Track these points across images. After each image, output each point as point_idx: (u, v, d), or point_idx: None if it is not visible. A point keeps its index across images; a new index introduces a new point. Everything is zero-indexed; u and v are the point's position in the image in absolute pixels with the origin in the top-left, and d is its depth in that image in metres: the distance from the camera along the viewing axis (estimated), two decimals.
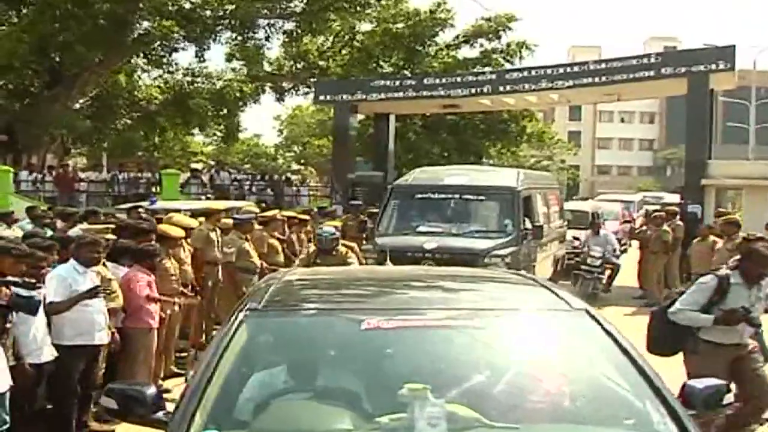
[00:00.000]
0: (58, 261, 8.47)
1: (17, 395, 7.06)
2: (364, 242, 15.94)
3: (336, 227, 12.44)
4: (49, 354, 7.67)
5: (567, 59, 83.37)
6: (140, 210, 15.38)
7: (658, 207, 26.45)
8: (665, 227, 18.37)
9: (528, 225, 15.44)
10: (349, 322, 4.39)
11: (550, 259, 18.15)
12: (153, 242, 9.77)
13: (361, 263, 12.48)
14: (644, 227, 20.53)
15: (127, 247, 9.36)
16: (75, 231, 10.72)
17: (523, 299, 5.02)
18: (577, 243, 21.43)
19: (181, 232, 10.52)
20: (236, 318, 4.40)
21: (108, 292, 8.56)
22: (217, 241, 12.58)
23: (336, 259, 11.21)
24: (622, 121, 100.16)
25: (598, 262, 18.73)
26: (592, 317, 4.48)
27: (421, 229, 15.32)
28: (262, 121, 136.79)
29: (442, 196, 15.96)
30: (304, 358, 4.49)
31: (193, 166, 36.54)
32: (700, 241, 16.54)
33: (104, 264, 9.01)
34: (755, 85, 54.46)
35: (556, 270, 18.87)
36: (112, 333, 8.60)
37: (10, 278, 6.88)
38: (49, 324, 7.80)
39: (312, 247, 12.09)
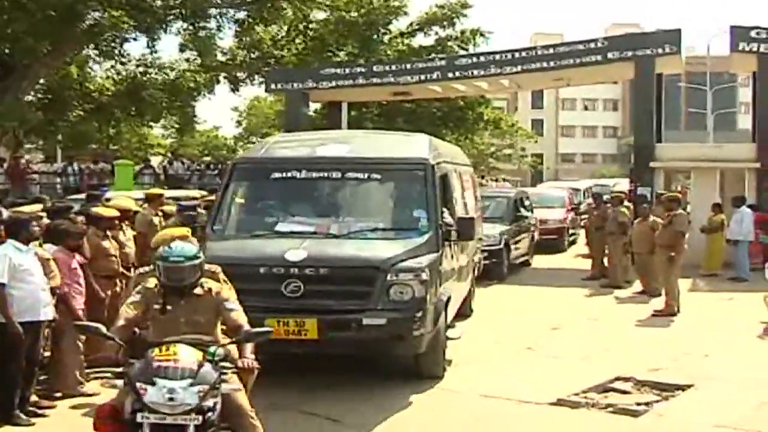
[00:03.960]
0: None
1: None
2: None
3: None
4: None
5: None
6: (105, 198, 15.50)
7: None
8: (621, 208, 18.53)
9: (448, 218, 10.50)
10: None
11: (471, 265, 13.51)
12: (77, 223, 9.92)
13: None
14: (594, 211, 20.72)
15: (53, 228, 9.48)
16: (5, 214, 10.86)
17: None
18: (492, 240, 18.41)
19: (113, 213, 10.65)
20: None
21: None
22: (160, 226, 12.71)
23: (199, 304, 6.28)
24: (586, 108, 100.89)
25: None
26: None
27: (282, 228, 10.08)
28: (222, 112, 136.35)
29: (314, 175, 10.50)
30: None
31: (152, 158, 36.55)
32: (640, 222, 16.84)
33: (41, 245, 9.16)
34: (709, 70, 55.29)
35: (474, 276, 14.28)
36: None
37: None
38: None
39: (151, 282, 6.42)
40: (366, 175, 10.48)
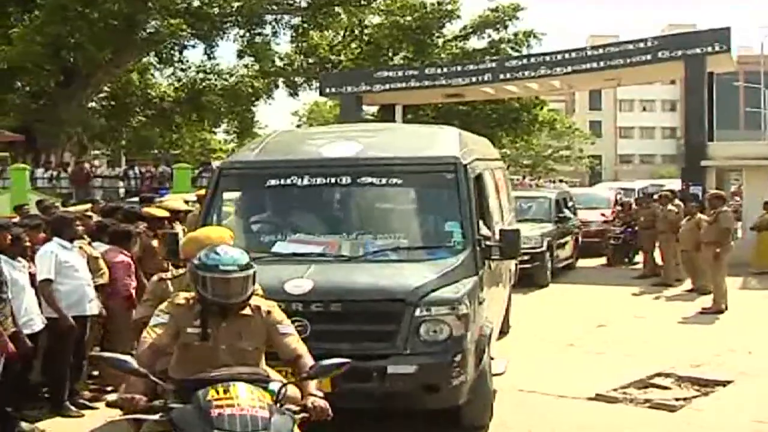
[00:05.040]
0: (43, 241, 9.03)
1: (15, 363, 7.68)
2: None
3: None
4: (40, 323, 8.24)
5: None
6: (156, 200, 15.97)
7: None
8: (670, 207, 18.43)
9: (485, 230, 8.51)
10: None
11: (508, 276, 11.33)
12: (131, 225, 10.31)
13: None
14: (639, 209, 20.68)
15: (105, 227, 9.87)
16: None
17: None
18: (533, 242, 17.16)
19: (164, 213, 11.02)
20: None
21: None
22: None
23: (246, 327, 4.96)
24: (644, 109, 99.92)
25: None
26: None
27: (280, 249, 8.07)
28: (283, 117, 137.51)
29: (319, 181, 8.43)
30: None
31: (214, 162, 37.31)
32: (688, 220, 16.81)
33: (90, 243, 9.55)
34: (764, 69, 54.63)
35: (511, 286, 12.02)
36: (101, 309, 9.05)
37: None
38: (37, 296, 8.35)
39: (181, 297, 5.07)
40: (383, 180, 8.39)
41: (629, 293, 17.14)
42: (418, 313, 7.22)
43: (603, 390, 9.36)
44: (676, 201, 18.93)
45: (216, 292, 4.78)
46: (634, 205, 22.37)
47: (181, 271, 6.09)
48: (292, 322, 5.92)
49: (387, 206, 8.77)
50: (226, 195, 8.88)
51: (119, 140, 37.26)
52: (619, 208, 23.64)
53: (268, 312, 5.03)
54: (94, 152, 41.15)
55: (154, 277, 6.51)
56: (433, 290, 7.35)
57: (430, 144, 9.08)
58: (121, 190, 27.17)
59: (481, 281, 7.93)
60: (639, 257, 20.79)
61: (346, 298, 7.27)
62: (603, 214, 23.54)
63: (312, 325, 7.01)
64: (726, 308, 14.65)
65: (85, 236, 9.55)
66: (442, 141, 9.14)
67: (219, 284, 4.77)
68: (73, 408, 8.64)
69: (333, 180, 8.43)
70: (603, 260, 22.26)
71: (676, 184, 26.77)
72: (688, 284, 17.27)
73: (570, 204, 22.01)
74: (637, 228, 20.32)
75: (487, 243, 8.22)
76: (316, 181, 8.41)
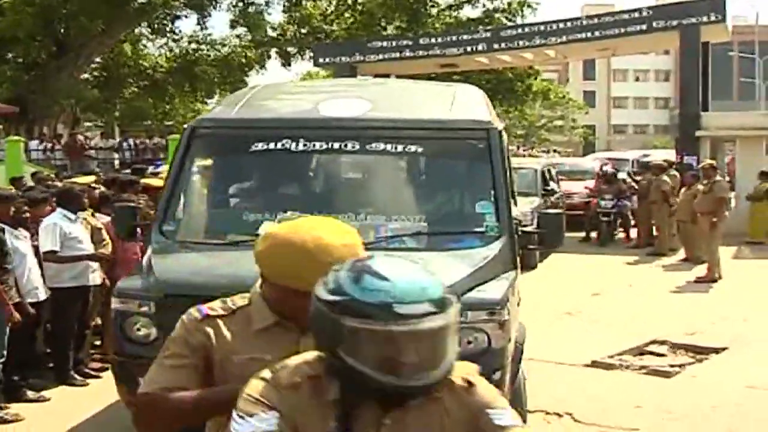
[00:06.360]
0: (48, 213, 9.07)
1: (20, 333, 7.79)
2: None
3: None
4: (44, 293, 8.34)
5: None
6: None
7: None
8: (664, 177, 18.49)
9: (515, 211, 6.69)
10: None
11: None
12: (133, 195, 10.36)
13: None
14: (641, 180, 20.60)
15: (107, 197, 9.92)
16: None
17: None
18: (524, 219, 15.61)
19: (160, 183, 11.07)
20: None
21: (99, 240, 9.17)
22: None
23: (433, 423, 2.28)
24: (637, 80, 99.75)
25: None
26: None
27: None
28: None
29: (318, 146, 6.61)
30: None
31: None
32: (686, 190, 16.86)
33: (93, 214, 9.60)
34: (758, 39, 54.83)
35: None
36: (104, 279, 9.09)
37: None
38: (40, 267, 8.42)
39: (293, 371, 2.26)
40: (399, 147, 6.52)
41: (623, 263, 17.26)
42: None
43: (599, 357, 9.49)
44: (671, 171, 18.98)
45: (390, 363, 2.15)
46: (627, 178, 22.06)
47: (239, 300, 2.84)
48: None
49: (403, 180, 7.00)
50: (201, 161, 7.03)
51: (112, 112, 37.23)
52: (602, 179, 21.69)
53: (468, 385, 2.39)
54: (87, 124, 41.09)
55: (192, 312, 2.80)
56: (468, 289, 5.52)
57: (454, 105, 7.03)
58: (116, 162, 27.13)
59: (517, 277, 6.30)
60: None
61: None
62: (587, 187, 22.58)
63: None
64: (720, 277, 14.79)
65: (89, 207, 9.60)
66: (468, 102, 7.17)
67: (400, 345, 2.15)
68: (78, 377, 8.74)
69: (336, 145, 6.59)
70: (585, 234, 20.88)
71: (664, 154, 26.79)
72: (682, 254, 17.37)
73: (554, 175, 20.70)
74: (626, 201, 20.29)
75: (524, 229, 6.72)
76: (314, 145, 6.61)
